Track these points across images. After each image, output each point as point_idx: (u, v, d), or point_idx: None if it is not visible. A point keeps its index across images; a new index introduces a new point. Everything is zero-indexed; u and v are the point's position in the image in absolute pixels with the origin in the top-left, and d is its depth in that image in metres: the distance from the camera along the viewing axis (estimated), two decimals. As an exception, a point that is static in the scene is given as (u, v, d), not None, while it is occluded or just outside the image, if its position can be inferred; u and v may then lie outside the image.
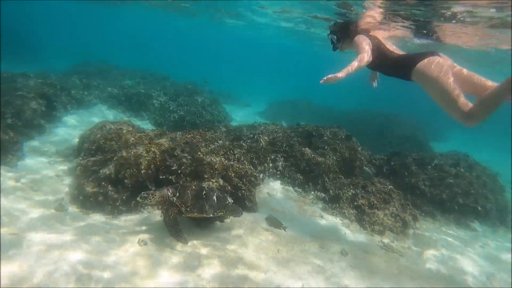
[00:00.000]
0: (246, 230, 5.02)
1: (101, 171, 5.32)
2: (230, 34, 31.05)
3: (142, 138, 5.97)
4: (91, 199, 5.14)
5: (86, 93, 10.21)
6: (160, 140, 6.04)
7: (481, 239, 6.68)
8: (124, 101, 10.66)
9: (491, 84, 3.97)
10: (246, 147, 7.10)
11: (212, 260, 4.10)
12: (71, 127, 8.72)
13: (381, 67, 4.88)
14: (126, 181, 5.21)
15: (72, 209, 5.03)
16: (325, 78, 4.18)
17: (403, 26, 8.20)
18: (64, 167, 6.56)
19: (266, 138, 7.50)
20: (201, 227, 4.88)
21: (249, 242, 4.69)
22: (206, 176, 5.36)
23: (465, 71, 4.19)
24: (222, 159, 5.75)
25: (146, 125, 10.04)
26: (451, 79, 4.05)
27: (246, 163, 6.04)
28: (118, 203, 5.12)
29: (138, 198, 4.31)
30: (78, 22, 45.25)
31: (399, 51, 4.75)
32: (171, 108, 10.82)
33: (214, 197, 4.47)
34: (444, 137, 19.55)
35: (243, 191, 5.51)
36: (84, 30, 44.70)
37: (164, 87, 12.59)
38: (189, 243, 4.28)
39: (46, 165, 6.51)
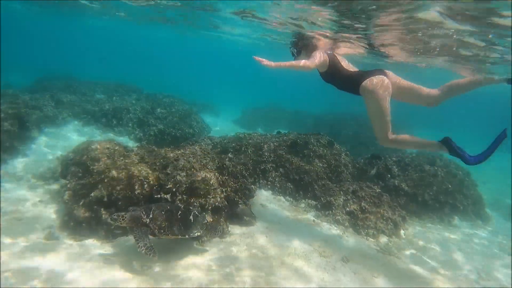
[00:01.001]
0: (248, 244, 5.00)
1: (92, 194, 5.11)
2: (199, 44, 30.87)
3: (132, 157, 5.80)
4: (84, 224, 4.93)
5: (58, 110, 9.75)
6: (150, 158, 5.90)
7: (464, 234, 7.08)
8: (100, 117, 10.28)
9: (432, 93, 4.75)
10: (234, 160, 7.08)
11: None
12: (46, 148, 8.29)
13: (334, 81, 5.21)
14: (119, 203, 5.04)
15: (63, 236, 4.79)
16: (260, 59, 4.45)
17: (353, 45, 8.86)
18: (45, 191, 6.25)
19: (253, 149, 7.53)
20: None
21: (253, 257, 4.68)
22: (202, 193, 5.29)
23: (406, 83, 4.85)
24: (216, 174, 5.71)
25: (125, 141, 9.75)
26: (387, 104, 4.67)
27: (239, 177, 6.03)
28: (112, 227, 4.94)
29: (109, 220, 4.24)
30: (36, 33, 43.10)
31: (352, 68, 5.11)
32: (149, 122, 10.57)
33: (191, 217, 4.37)
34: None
35: (240, 205, 5.49)
36: (43, 42, 42.67)
37: (138, 100, 12.29)
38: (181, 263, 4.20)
39: (25, 190, 6.18)
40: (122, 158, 5.76)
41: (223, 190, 5.47)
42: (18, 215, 5.18)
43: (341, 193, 6.82)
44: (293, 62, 4.78)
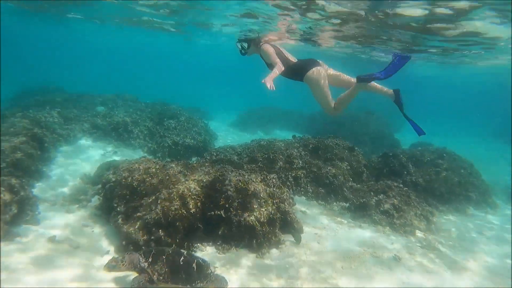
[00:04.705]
0: (305, 252, 5.24)
1: (148, 216, 5.15)
2: (185, 49, 30.45)
3: (178, 175, 5.87)
4: (143, 247, 4.97)
5: (68, 127, 9.53)
6: (195, 175, 5.98)
7: (483, 222, 7.66)
8: (110, 131, 10.11)
9: (352, 80, 5.62)
10: (266, 169, 7.26)
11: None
12: (66, 168, 8.13)
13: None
14: (177, 223, 5.12)
15: (126, 261, 4.82)
16: (267, 85, 5.29)
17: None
18: (84, 214, 6.20)
19: (281, 157, 7.74)
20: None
21: (314, 264, 4.93)
22: (255, 206, 5.45)
23: (335, 72, 5.87)
24: (263, 186, 5.88)
25: (139, 154, 9.68)
26: (327, 86, 5.67)
27: (282, 186, 6.23)
28: (172, 248, 5.01)
29: (104, 267, 4.01)
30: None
31: (293, 58, 5.98)
32: (161, 133, 10.52)
33: (194, 265, 4.03)
34: (398, 128, 21.25)
35: (290, 215, 5.70)
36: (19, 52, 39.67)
37: (142, 111, 12.13)
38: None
39: (65, 214, 6.09)
40: (167, 177, 5.82)
41: (273, 201, 5.66)
42: (73, 243, 5.13)
43: (371, 193, 7.16)
44: (276, 71, 5.57)
